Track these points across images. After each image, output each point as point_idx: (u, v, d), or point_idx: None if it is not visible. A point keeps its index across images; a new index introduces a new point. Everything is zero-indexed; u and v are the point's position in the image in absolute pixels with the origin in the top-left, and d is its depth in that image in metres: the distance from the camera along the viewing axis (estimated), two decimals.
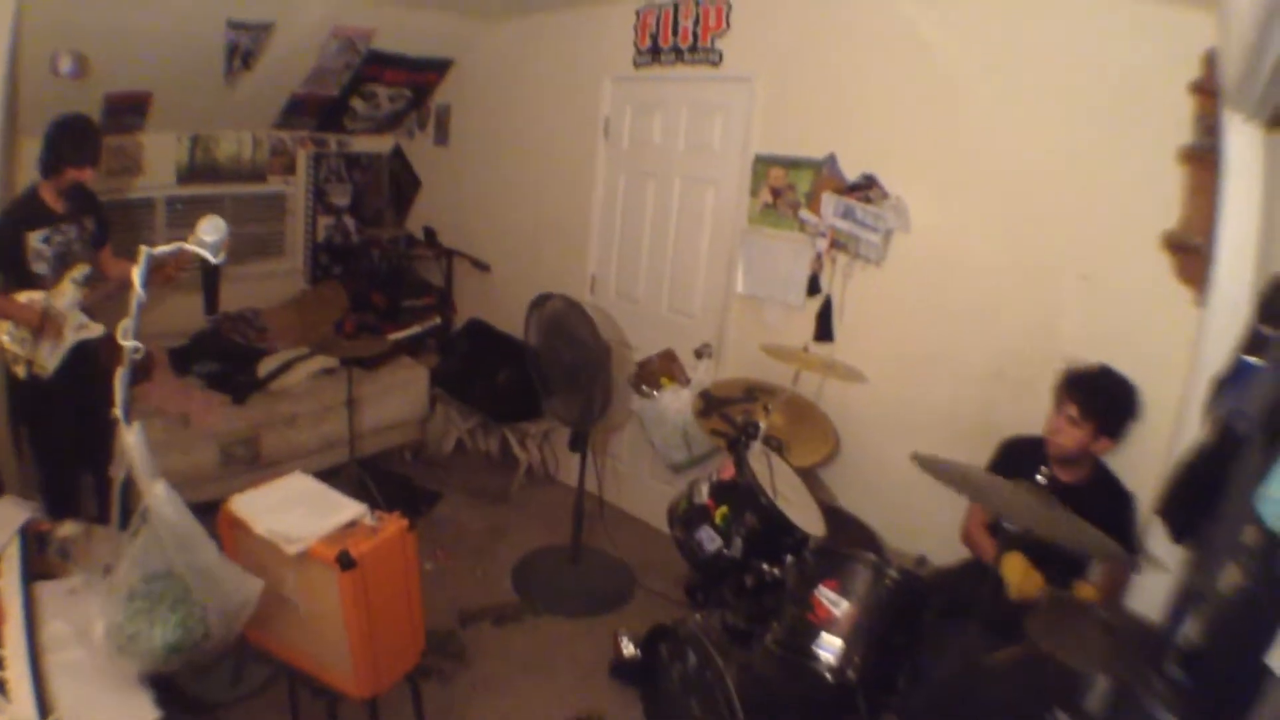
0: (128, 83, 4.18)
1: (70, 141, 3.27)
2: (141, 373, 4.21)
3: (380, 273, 5.60)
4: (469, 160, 5.41)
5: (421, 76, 5.26)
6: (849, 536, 3.45)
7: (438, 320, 5.24)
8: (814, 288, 3.76)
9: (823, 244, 3.67)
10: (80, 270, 3.40)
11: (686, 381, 4.31)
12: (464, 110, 5.41)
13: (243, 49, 4.30)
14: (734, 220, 4.05)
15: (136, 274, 1.97)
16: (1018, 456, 2.89)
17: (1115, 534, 2.42)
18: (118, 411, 2.04)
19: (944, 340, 3.44)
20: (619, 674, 3.46)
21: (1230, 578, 1.75)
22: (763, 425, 3.14)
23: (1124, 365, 2.79)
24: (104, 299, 3.53)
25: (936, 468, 2.35)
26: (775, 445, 3.48)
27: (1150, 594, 2.43)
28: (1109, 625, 2.10)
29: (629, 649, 3.47)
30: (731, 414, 3.59)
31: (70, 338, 3.38)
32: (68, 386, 3.41)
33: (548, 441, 5.14)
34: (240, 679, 3.09)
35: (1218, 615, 1.80)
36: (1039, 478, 2.27)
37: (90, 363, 3.44)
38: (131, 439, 2.04)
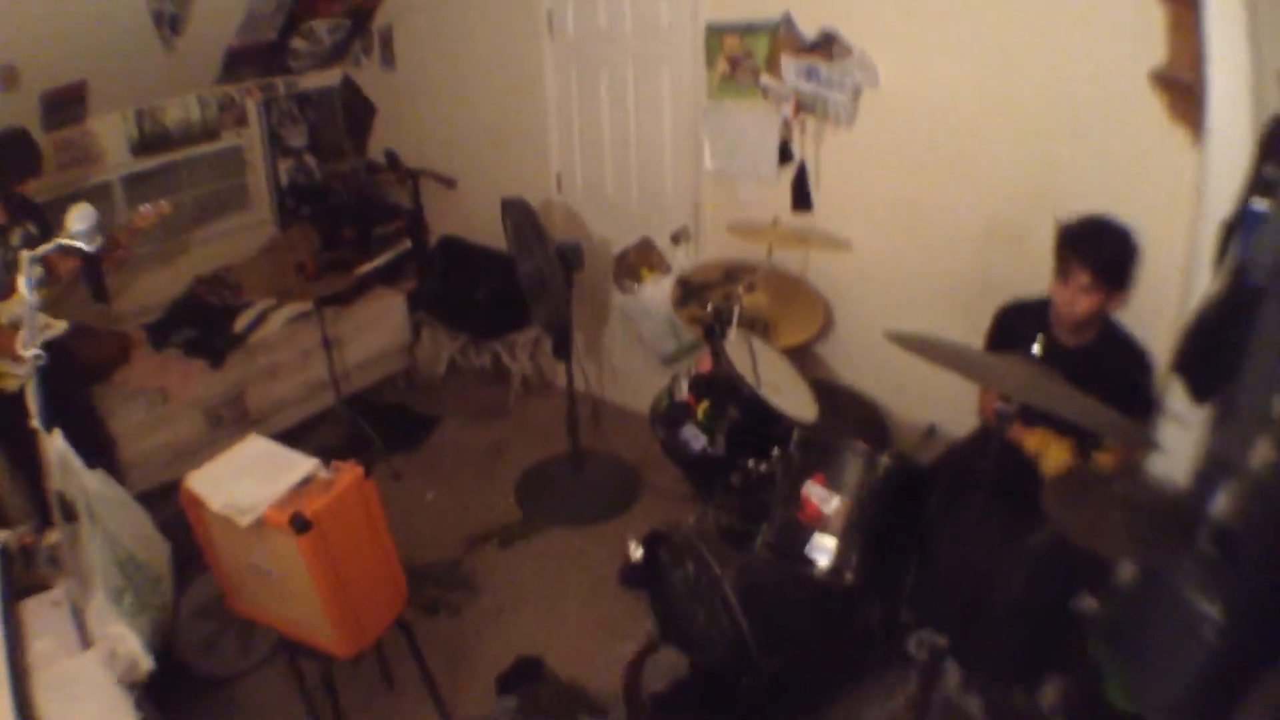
0: (62, 77, 4.00)
1: (11, 157, 3.26)
2: (119, 357, 4.12)
3: (347, 205, 5.38)
4: (419, 78, 5.13)
5: (356, 1, 4.94)
6: (850, 414, 3.31)
7: (407, 245, 5.03)
8: (785, 156, 3.52)
9: (788, 109, 3.42)
10: (34, 274, 3.23)
11: (667, 269, 4.14)
12: (406, 29, 5.08)
13: (168, 14, 4.09)
14: (694, 96, 3.79)
15: (21, 283, 1.85)
16: (1016, 324, 2.67)
17: (1130, 395, 2.30)
18: (35, 423, 1.93)
19: (929, 198, 3.21)
20: (629, 580, 3.39)
21: (1263, 454, 1.60)
22: (736, 310, 2.97)
23: (1123, 212, 2.51)
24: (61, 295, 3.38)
25: (916, 345, 2.16)
26: (760, 327, 3.33)
27: (1174, 457, 2.26)
28: (1132, 501, 1.94)
29: (638, 553, 3.39)
30: (712, 299, 3.41)
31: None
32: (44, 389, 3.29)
33: (539, 349, 5.00)
34: (248, 649, 3.06)
35: (1253, 493, 1.64)
36: (1035, 348, 2.06)
37: (62, 359, 3.30)
38: (55, 445, 1.94)
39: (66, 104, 4.12)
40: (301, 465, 2.34)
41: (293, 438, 4.47)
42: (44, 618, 2.21)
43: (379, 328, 4.85)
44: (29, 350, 1.90)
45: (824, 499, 2.35)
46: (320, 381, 4.42)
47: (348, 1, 4.90)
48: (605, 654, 3.07)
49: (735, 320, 2.96)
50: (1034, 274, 2.65)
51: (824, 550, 2.33)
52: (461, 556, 3.70)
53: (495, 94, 4.69)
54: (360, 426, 4.28)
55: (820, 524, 2.35)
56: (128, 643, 2.00)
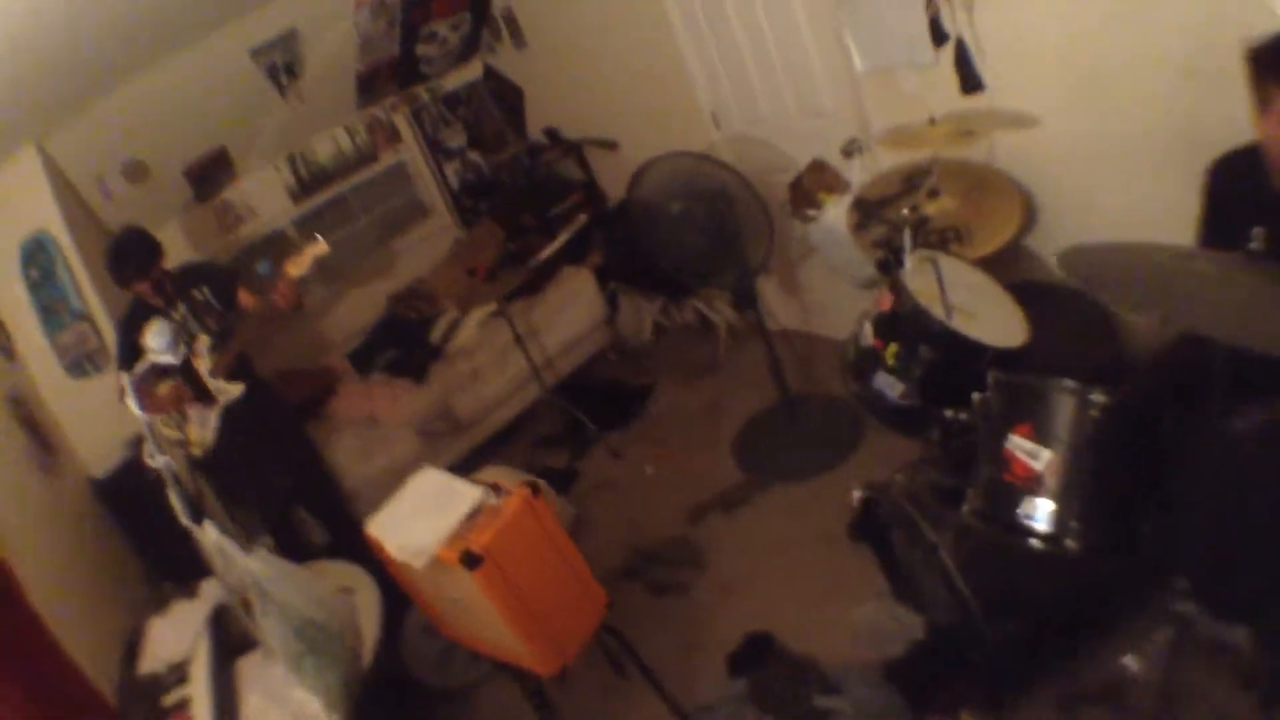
0: (197, 150, 4.22)
1: (109, 265, 3.29)
2: (324, 392, 4.31)
3: (521, 191, 5.37)
4: (553, 49, 4.99)
5: None
6: (1068, 320, 2.80)
7: (583, 219, 4.93)
8: (939, 36, 3.03)
9: None
10: (204, 342, 3.28)
11: (846, 187, 3.75)
12: (526, 4, 4.96)
13: (282, 64, 4.22)
14: None
15: (131, 404, 1.91)
16: (1234, 179, 2.14)
17: None
18: (185, 522, 2.00)
19: (1110, 46, 2.61)
20: (858, 533, 3.13)
21: None
22: (908, 233, 2.59)
23: None
24: (265, 329, 3.56)
25: (1091, 275, 1.70)
26: (951, 236, 2.93)
27: None
28: None
29: (857, 503, 3.12)
30: (892, 218, 3.02)
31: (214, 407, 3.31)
32: (240, 449, 3.37)
33: None
34: (479, 660, 3.08)
35: None
36: (1253, 244, 1.58)
37: (253, 416, 3.39)
38: (210, 538, 2.01)
39: (212, 172, 4.34)
40: (468, 496, 2.30)
41: (509, 434, 4.61)
42: (255, 674, 2.36)
43: (573, 308, 4.82)
44: (156, 460, 1.94)
45: (1032, 453, 1.96)
46: (526, 375, 4.44)
47: None
48: (839, 619, 2.86)
49: (910, 243, 2.58)
50: (1244, 118, 2.07)
51: (1039, 516, 1.94)
52: (686, 530, 3.60)
53: (628, 42, 4.45)
54: (573, 415, 4.26)
55: (1031, 485, 1.95)
56: (310, 706, 2.06)
